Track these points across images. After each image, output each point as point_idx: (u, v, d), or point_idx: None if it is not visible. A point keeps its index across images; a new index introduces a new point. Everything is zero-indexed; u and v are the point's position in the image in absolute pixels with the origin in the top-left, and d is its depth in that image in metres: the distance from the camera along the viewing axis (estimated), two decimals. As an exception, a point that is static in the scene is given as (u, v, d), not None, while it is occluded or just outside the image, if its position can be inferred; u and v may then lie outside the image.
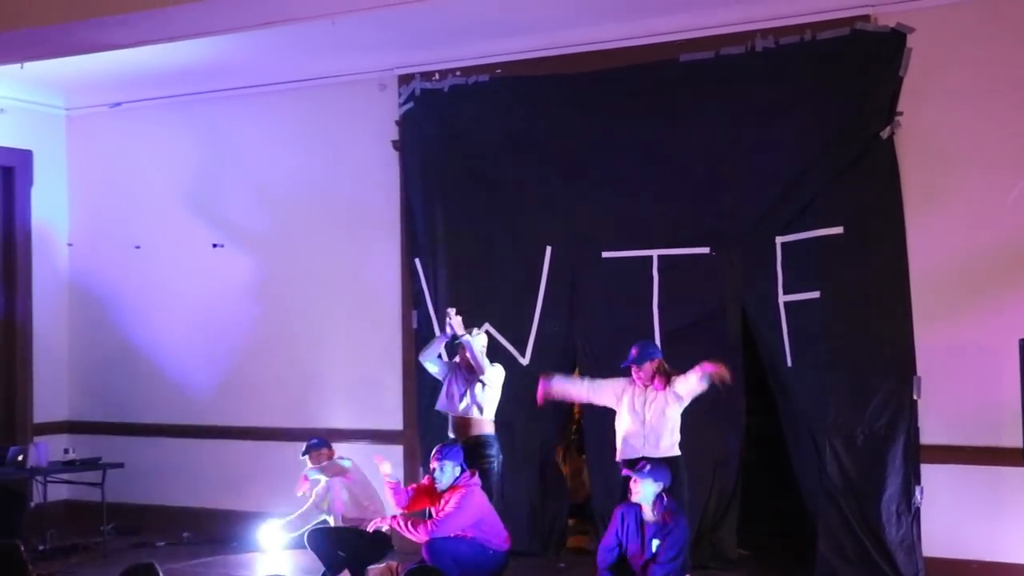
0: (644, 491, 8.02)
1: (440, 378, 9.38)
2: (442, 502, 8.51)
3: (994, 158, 8.66)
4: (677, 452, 8.48)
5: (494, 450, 9.14)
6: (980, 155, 8.70)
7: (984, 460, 8.59)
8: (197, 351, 11.64)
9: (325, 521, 9.91)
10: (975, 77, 8.74)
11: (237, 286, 11.48)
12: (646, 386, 8.53)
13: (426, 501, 8.69)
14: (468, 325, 9.91)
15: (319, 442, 10.16)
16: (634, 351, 8.59)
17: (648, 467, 8.10)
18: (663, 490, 8.07)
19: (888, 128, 8.83)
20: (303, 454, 10.14)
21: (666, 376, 8.51)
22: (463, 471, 8.61)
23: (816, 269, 9.04)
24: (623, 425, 8.58)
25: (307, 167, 11.16)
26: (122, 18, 8.33)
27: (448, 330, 9.23)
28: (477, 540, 8.41)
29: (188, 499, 11.52)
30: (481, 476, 8.81)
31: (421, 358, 9.49)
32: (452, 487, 8.53)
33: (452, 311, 9.24)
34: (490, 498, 8.87)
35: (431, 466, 8.66)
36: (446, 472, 8.55)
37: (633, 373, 8.58)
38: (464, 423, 9.15)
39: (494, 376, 9.18)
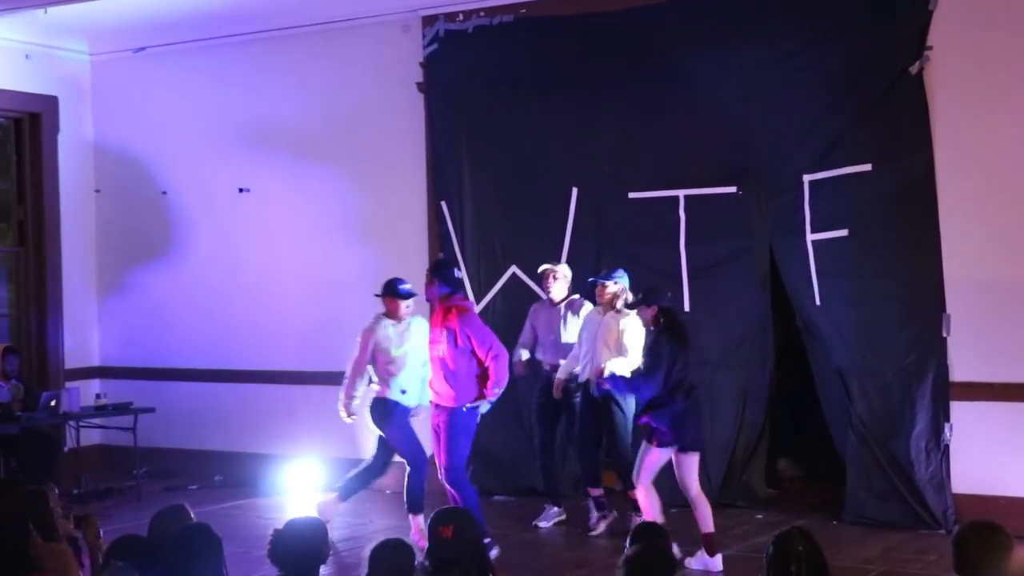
0: None
1: None
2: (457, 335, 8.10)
3: (1025, 92, 8.57)
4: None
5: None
6: (1011, 91, 8.59)
7: (1014, 397, 8.56)
8: (225, 295, 11.69)
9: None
10: (1006, 10, 8.62)
11: (263, 230, 11.50)
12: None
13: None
14: (496, 267, 9.93)
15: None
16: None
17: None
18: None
19: (917, 63, 8.73)
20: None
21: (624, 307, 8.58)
22: (453, 291, 8.28)
23: (844, 207, 8.98)
24: None
25: (332, 110, 11.13)
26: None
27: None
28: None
29: (219, 443, 11.60)
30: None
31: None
32: (445, 305, 8.18)
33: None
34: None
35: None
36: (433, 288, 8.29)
37: None
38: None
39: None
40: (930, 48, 8.72)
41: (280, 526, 4.86)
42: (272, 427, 11.34)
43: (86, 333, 12.31)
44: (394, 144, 10.84)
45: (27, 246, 11.95)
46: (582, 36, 9.92)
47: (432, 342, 8.28)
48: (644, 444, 7.83)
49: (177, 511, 5.47)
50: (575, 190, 10.00)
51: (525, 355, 9.25)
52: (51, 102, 11.99)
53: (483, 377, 8.16)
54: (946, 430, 8.70)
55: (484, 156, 10.36)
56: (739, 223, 9.43)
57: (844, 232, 8.98)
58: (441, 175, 10.57)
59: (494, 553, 8.00)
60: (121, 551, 5.03)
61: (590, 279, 8.87)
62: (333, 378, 10.68)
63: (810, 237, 9.11)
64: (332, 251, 11.14)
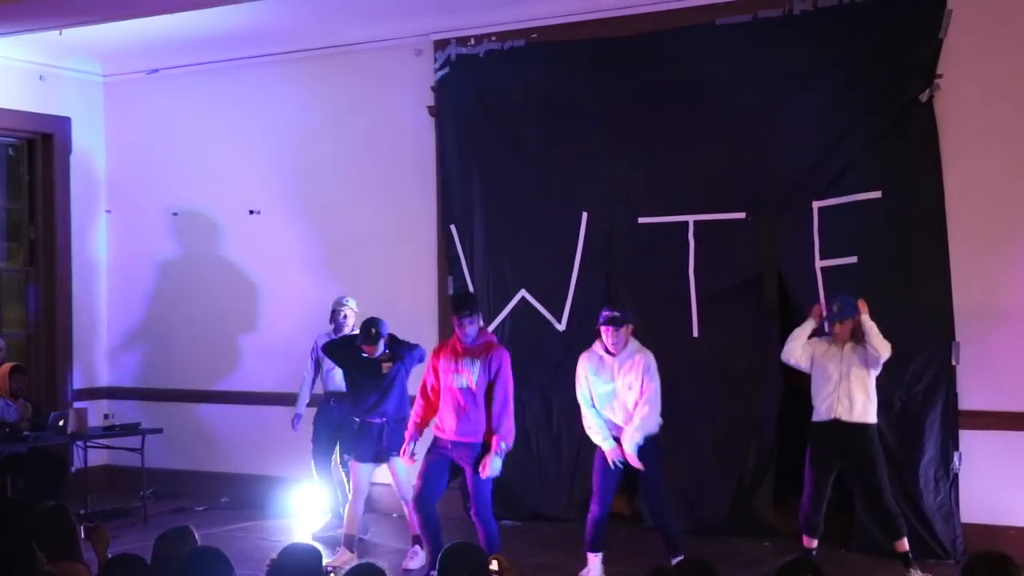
0: None
1: None
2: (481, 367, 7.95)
3: (1035, 121, 8.56)
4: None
5: None
6: (1020, 119, 8.58)
7: (1023, 426, 8.53)
8: (235, 317, 11.69)
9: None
10: (1015, 39, 8.62)
11: (273, 252, 11.51)
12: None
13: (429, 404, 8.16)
14: (506, 291, 9.91)
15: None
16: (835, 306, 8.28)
17: None
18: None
19: (927, 91, 8.73)
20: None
21: None
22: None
23: (854, 234, 8.97)
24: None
25: (343, 133, 11.16)
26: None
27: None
28: None
29: (226, 464, 11.61)
30: None
31: None
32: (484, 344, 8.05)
33: None
34: None
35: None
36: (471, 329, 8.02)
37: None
38: None
39: None
40: (940, 76, 8.73)
41: (275, 556, 4.85)
42: (280, 449, 11.30)
43: (95, 353, 12.32)
44: (405, 167, 10.86)
45: (38, 266, 11.98)
46: (592, 61, 9.94)
47: (454, 372, 8.00)
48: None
49: (182, 533, 5.46)
50: (584, 214, 10.00)
51: None
52: (64, 123, 12.04)
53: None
54: (955, 459, 8.66)
55: (494, 180, 10.37)
56: (748, 249, 9.42)
57: (853, 259, 8.96)
58: (451, 199, 10.58)
59: None
60: (117, 571, 5.00)
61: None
62: (341, 401, 10.66)
63: (819, 264, 9.09)
64: (340, 274, 11.14)
